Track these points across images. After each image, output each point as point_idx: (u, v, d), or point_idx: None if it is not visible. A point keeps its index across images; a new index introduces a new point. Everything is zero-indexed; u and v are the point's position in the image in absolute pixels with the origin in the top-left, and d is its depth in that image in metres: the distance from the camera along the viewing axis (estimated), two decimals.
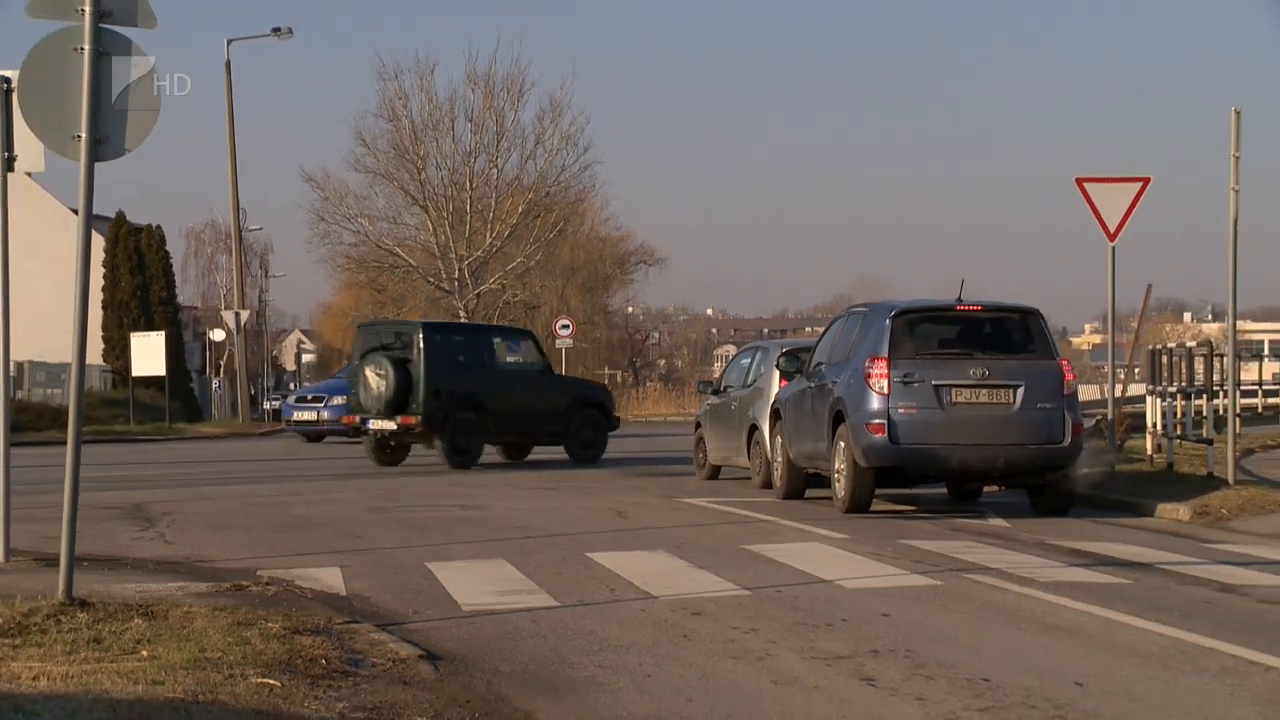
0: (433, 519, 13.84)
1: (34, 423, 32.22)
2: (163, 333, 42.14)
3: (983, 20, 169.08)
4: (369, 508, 14.91)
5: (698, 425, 20.47)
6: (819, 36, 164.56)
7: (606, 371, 77.50)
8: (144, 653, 6.64)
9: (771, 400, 17.05)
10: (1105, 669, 6.97)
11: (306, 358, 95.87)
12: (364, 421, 22.13)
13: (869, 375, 13.89)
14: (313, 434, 31.39)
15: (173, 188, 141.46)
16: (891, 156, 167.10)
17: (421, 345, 21.76)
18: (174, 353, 47.34)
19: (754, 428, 17.77)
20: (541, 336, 64.87)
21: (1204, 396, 17.64)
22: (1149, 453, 18.57)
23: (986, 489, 16.03)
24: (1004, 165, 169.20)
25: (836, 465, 14.36)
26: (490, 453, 23.53)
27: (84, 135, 7.98)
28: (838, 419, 14.26)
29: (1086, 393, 28.96)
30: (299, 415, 31.63)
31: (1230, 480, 15.63)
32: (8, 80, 9.63)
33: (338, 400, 30.69)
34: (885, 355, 13.91)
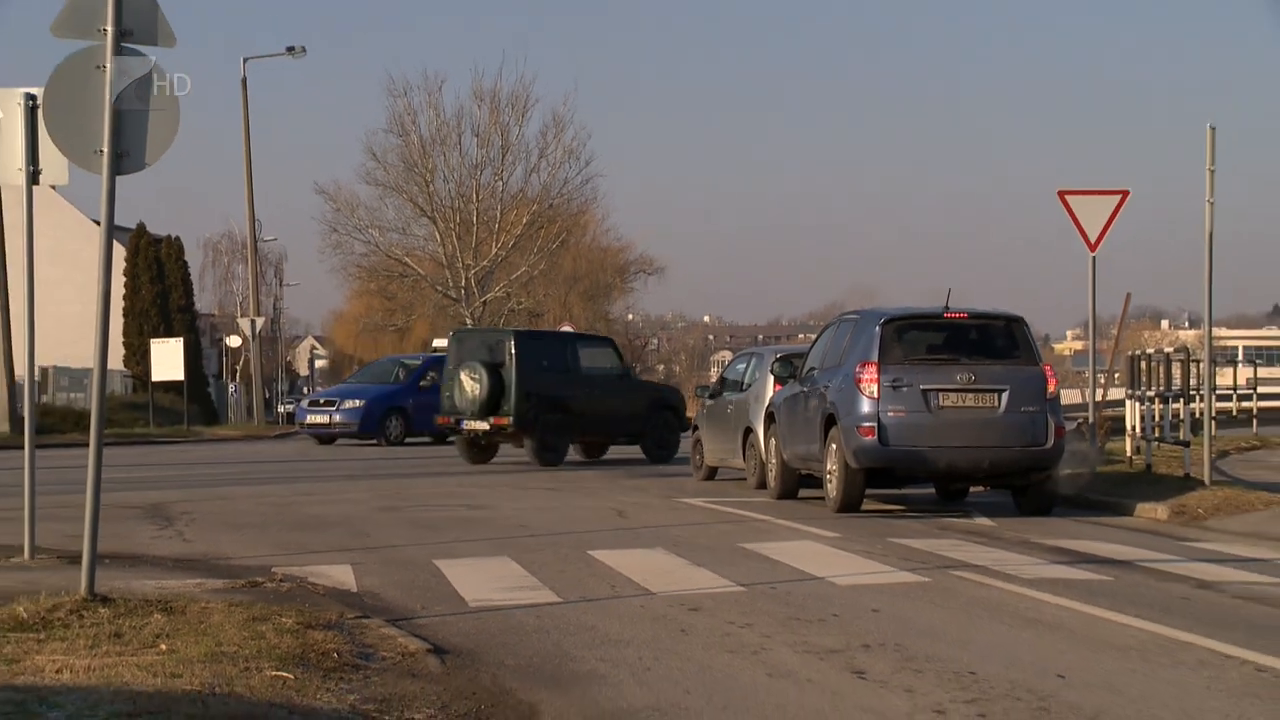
0: (440, 518, 13.83)
1: (58, 425, 32.18)
2: (181, 339, 42.12)
3: (972, 37, 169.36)
4: (379, 507, 14.90)
5: (695, 428, 20.46)
6: (814, 53, 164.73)
7: None
8: (163, 646, 6.64)
9: (766, 404, 17.04)
10: (1086, 662, 6.96)
11: (319, 363, 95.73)
12: (458, 422, 22.75)
13: (860, 380, 13.89)
14: (325, 436, 31.36)
15: (191, 200, 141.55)
16: (882, 171, 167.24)
17: (513, 352, 22.46)
18: (192, 358, 47.31)
19: (749, 430, 17.77)
20: None
21: (1181, 400, 17.62)
22: (1128, 454, 18.57)
23: (972, 489, 16.02)
24: (990, 178, 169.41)
25: (828, 466, 14.36)
26: (507, 452, 23.61)
27: (106, 150, 7.98)
28: (830, 422, 14.26)
29: (1068, 397, 28.94)
30: (312, 418, 31.61)
31: (1206, 481, 15.63)
32: (33, 97, 9.64)
33: (348, 404, 30.76)
34: (875, 361, 13.91)
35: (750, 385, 18.37)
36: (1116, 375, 22.02)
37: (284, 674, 6.17)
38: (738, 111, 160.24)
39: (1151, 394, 17.86)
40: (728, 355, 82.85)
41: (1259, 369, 38.16)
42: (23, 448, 10.18)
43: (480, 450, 23.22)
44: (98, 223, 8.16)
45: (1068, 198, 17.27)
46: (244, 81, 45.77)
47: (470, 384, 22.28)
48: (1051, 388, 14.13)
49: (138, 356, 51.87)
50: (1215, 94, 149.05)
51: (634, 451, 24.90)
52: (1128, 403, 18.96)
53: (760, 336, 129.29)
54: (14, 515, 10.86)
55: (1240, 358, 52.63)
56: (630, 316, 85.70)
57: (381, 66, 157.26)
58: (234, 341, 56.74)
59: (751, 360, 19.16)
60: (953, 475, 14.59)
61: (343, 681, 6.25)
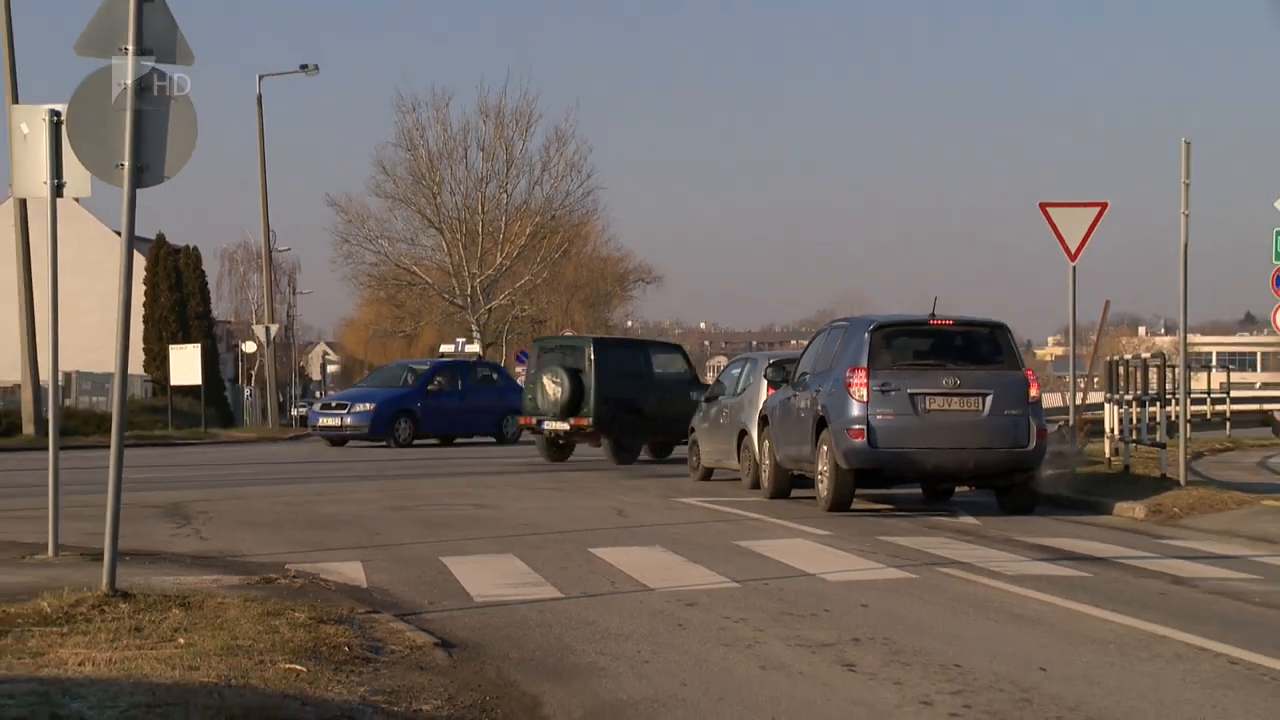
0: (447, 517, 13.82)
1: (80, 428, 32.14)
2: (199, 345, 42.07)
3: (959, 54, 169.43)
4: (388, 507, 14.88)
5: (692, 430, 20.44)
6: (805, 67, 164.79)
7: None
8: (181, 640, 6.63)
9: (760, 407, 17.03)
10: (1067, 655, 6.96)
11: (331, 368, 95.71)
12: (539, 423, 23.48)
13: (850, 384, 13.89)
14: (336, 438, 31.32)
15: (209, 211, 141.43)
16: (872, 182, 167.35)
17: (592, 358, 23.19)
18: (209, 363, 47.30)
19: (744, 433, 17.76)
20: None
21: (1157, 404, 17.65)
22: (1107, 456, 18.56)
23: (958, 489, 16.02)
24: (975, 191, 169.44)
25: (820, 467, 14.35)
26: (512, 453, 23.59)
27: (126, 164, 7.98)
28: (821, 424, 14.26)
29: (1050, 400, 28.95)
30: (324, 421, 31.56)
31: (1182, 481, 15.63)
32: (57, 113, 9.65)
33: (359, 408, 30.72)
34: (865, 366, 13.91)
35: (745, 389, 18.36)
36: (1096, 380, 22.00)
37: (297, 666, 6.17)
38: (736, 124, 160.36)
39: (1129, 398, 17.86)
40: (723, 360, 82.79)
41: (1232, 374, 38.21)
42: (47, 449, 10.17)
43: (558, 449, 23.89)
44: (119, 233, 8.16)
45: (1049, 210, 17.27)
46: (259, 99, 45.76)
47: (552, 387, 23.00)
48: (1033, 392, 14.13)
49: (157, 362, 51.83)
50: (1190, 108, 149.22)
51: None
52: (1106, 406, 18.96)
53: (754, 342, 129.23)
54: (39, 514, 10.84)
55: (1214, 363, 52.60)
56: (629, 323, 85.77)
57: (391, 84, 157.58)
58: (249, 347, 56.75)
59: (746, 365, 19.16)
60: (939, 476, 14.59)
61: (353, 674, 6.25)
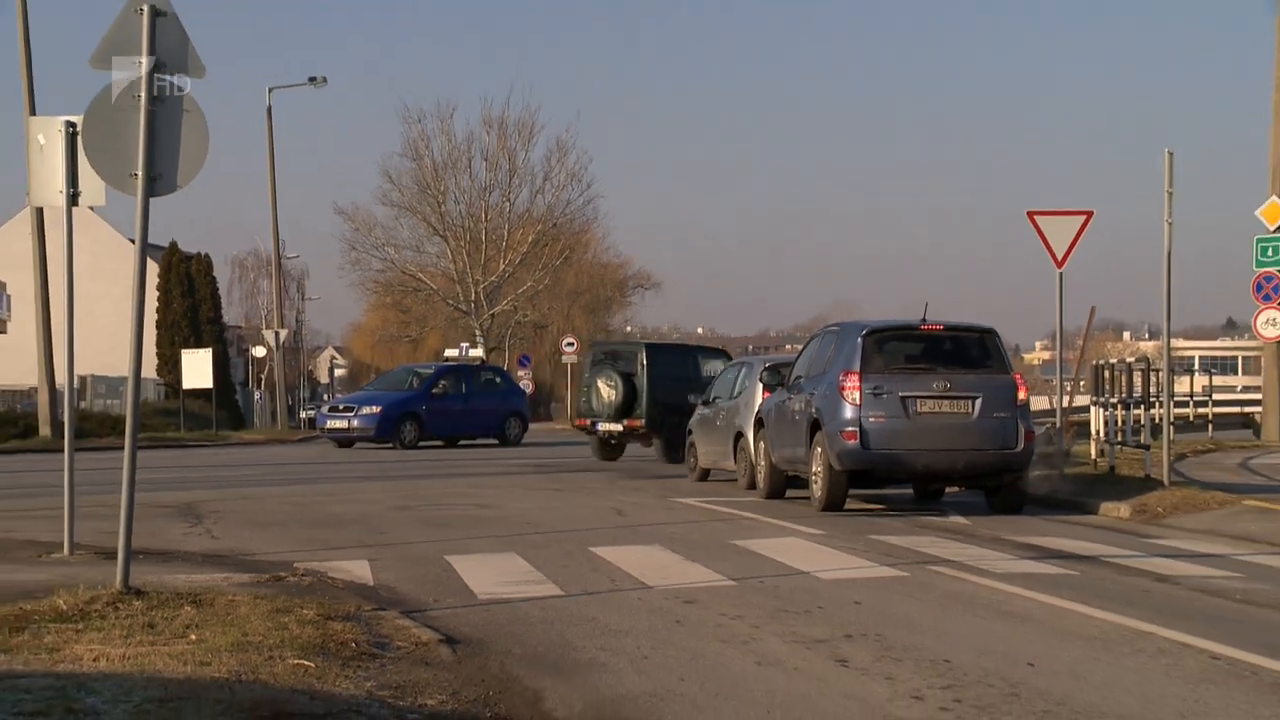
0: (451, 517, 13.81)
1: (95, 430, 32.12)
2: (210, 349, 42.08)
3: (948, 65, 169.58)
4: (394, 507, 14.87)
5: (689, 432, 20.44)
6: (797, 82, 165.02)
7: None
8: (193, 637, 6.63)
9: (755, 410, 17.02)
10: (1054, 651, 6.96)
11: (338, 372, 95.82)
12: (594, 424, 24.04)
13: (843, 387, 13.89)
14: (344, 440, 31.30)
15: (220, 219, 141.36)
16: (864, 191, 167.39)
17: (644, 362, 23.83)
18: (220, 367, 47.33)
19: (740, 435, 17.75)
20: (549, 354, 65.01)
21: (1142, 407, 17.64)
22: (1093, 457, 18.56)
23: (948, 490, 16.01)
24: (965, 199, 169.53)
25: (814, 468, 14.35)
26: (514, 455, 23.59)
27: (140, 173, 7.99)
28: (815, 427, 14.25)
29: (1037, 403, 28.97)
30: (331, 423, 31.55)
31: (1165, 482, 15.63)
32: (73, 124, 9.65)
33: (366, 410, 30.70)
34: (857, 370, 13.91)
35: (741, 393, 18.36)
36: (1082, 383, 21.99)
37: (305, 662, 6.17)
38: (733, 134, 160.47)
39: (1115, 401, 17.85)
40: (719, 365, 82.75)
41: (1214, 377, 38.22)
42: (63, 451, 10.17)
43: (611, 449, 24.25)
44: (133, 241, 8.16)
45: (1037, 218, 17.26)
46: (269, 110, 45.78)
47: (607, 390, 23.63)
48: (1021, 395, 14.13)
49: (170, 365, 51.82)
50: (1173, 119, 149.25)
51: (632, 456, 24.95)
52: (1092, 409, 18.96)
53: (750, 347, 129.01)
54: (55, 514, 10.84)
55: (1197, 367, 52.65)
56: (629, 328, 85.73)
57: (397, 95, 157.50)
58: (259, 352, 56.83)
59: (742, 369, 19.15)
60: (930, 476, 14.59)
61: (360, 669, 6.24)
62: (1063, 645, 7.11)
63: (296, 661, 6.17)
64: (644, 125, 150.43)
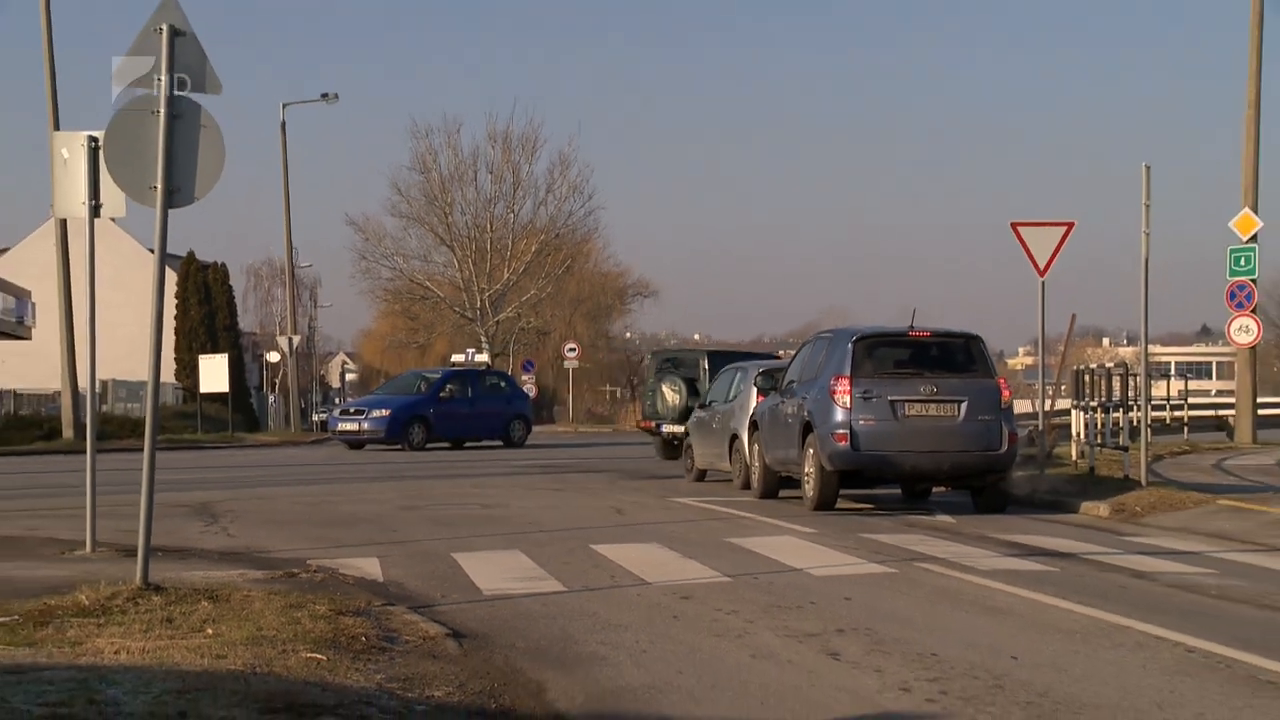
0: (457, 515, 13.81)
1: (116, 432, 32.14)
2: (226, 355, 42.12)
3: (932, 82, 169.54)
4: (402, 506, 14.87)
5: (687, 434, 20.44)
6: (789, 96, 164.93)
7: (608, 388, 77.47)
8: (209, 631, 6.63)
9: (750, 413, 17.03)
10: (1036, 644, 6.96)
11: (349, 376, 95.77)
12: (658, 426, 24.57)
13: (834, 391, 13.89)
14: (354, 442, 31.32)
15: (236, 230, 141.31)
16: (855, 202, 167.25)
17: (705, 368, 24.37)
18: (236, 372, 47.32)
19: (735, 437, 17.75)
20: (551, 359, 64.98)
21: (1120, 410, 17.63)
22: (1074, 458, 18.56)
23: (935, 490, 16.01)
24: (951, 209, 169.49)
25: (806, 469, 14.35)
26: (517, 458, 23.57)
27: (159, 186, 7.99)
28: (807, 429, 14.26)
29: (1020, 406, 28.92)
30: (343, 426, 31.55)
31: (1143, 482, 15.63)
32: (95, 139, 9.67)
33: (376, 413, 30.70)
34: (848, 374, 13.91)
35: (736, 396, 18.36)
36: (1063, 387, 21.99)
37: (318, 655, 6.16)
38: (730, 144, 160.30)
39: (1094, 404, 17.85)
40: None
41: (1189, 382, 38.16)
42: (85, 452, 10.18)
43: (673, 449, 24.24)
44: (152, 251, 8.16)
45: (1019, 228, 17.26)
46: (283, 125, 45.77)
47: (671, 394, 24.15)
48: (1005, 398, 14.13)
49: (187, 370, 51.87)
50: (1151, 134, 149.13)
51: (631, 457, 24.95)
52: (1073, 412, 18.96)
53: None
54: (77, 513, 10.86)
55: (1173, 372, 52.69)
56: (628, 335, 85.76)
57: (405, 111, 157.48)
58: (273, 357, 56.72)
59: (737, 374, 19.15)
60: (917, 477, 14.58)
61: (370, 662, 6.24)
62: (1045, 639, 7.11)
63: (309, 655, 6.16)
64: (642, 139, 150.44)
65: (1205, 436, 31.05)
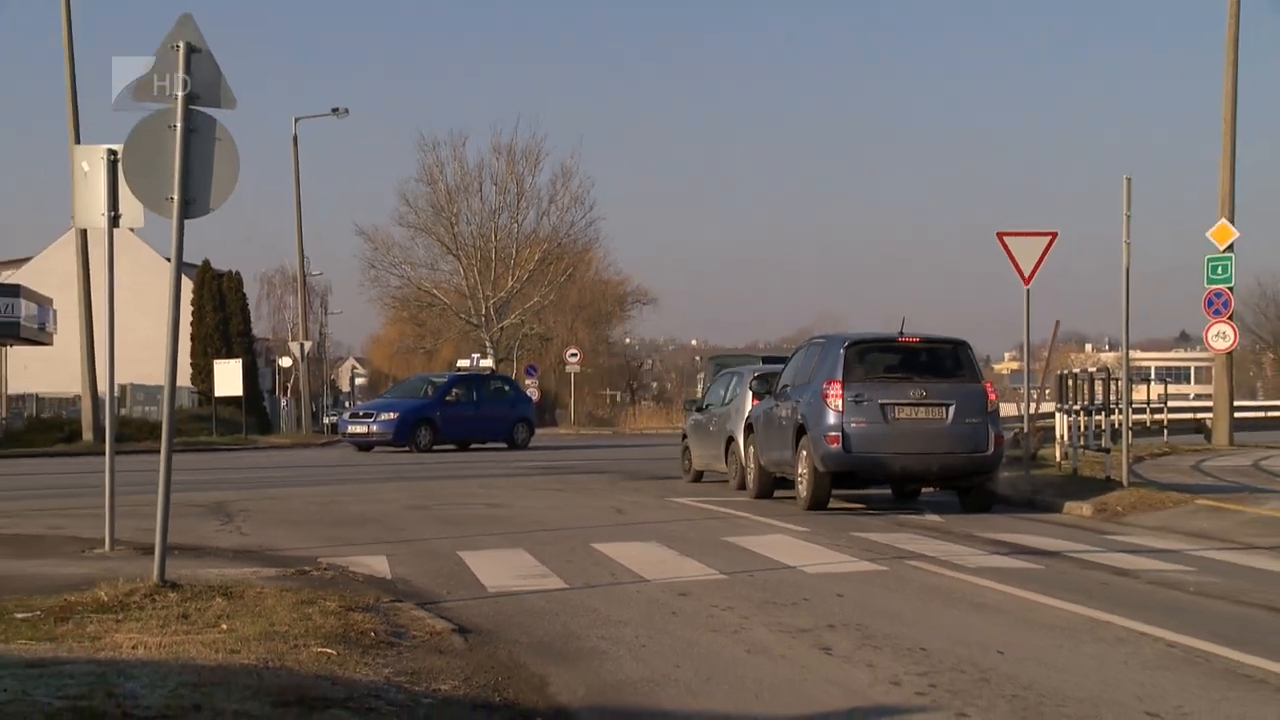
0: (463, 515, 13.80)
1: (134, 435, 32.13)
2: (240, 360, 42.10)
3: (923, 94, 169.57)
4: (409, 506, 14.86)
5: (684, 437, 20.43)
6: (784, 105, 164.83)
7: (608, 392, 77.44)
8: (224, 626, 6.63)
9: (745, 416, 17.02)
10: (1022, 639, 6.95)
11: (359, 381, 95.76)
12: None
13: (826, 395, 13.90)
14: (363, 444, 31.30)
15: (250, 240, 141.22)
16: (848, 211, 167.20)
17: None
18: (249, 377, 47.27)
19: (731, 439, 17.74)
20: (554, 364, 65.00)
21: (1103, 413, 17.64)
22: (1058, 460, 18.57)
23: (924, 490, 16.00)
24: (939, 219, 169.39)
25: (799, 470, 14.34)
26: (517, 459, 23.53)
27: (176, 197, 7.99)
28: (801, 431, 14.25)
29: (1006, 410, 28.96)
30: (352, 429, 31.52)
31: (1124, 482, 15.63)
32: (114, 152, 9.68)
33: (384, 416, 30.66)
34: (840, 379, 13.92)
35: (732, 400, 18.35)
36: (1047, 391, 22.00)
37: (328, 650, 6.16)
38: (727, 153, 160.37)
39: (1077, 407, 17.86)
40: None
41: (1169, 386, 38.19)
42: (104, 454, 10.17)
43: None
44: (169, 260, 8.16)
45: (1005, 238, 17.27)
46: (295, 139, 45.82)
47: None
48: (992, 402, 14.14)
49: (203, 375, 51.78)
50: (1133, 145, 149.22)
51: (631, 459, 24.92)
52: (1057, 415, 18.98)
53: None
54: (96, 512, 10.84)
55: (1153, 376, 52.70)
56: (628, 340, 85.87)
57: (413, 124, 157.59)
58: (286, 362, 56.66)
59: (733, 378, 19.14)
60: (907, 478, 14.58)
61: (379, 657, 6.24)
62: (1030, 634, 7.11)
63: (320, 649, 6.16)
64: (641, 150, 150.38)
65: (1184, 439, 31.09)
